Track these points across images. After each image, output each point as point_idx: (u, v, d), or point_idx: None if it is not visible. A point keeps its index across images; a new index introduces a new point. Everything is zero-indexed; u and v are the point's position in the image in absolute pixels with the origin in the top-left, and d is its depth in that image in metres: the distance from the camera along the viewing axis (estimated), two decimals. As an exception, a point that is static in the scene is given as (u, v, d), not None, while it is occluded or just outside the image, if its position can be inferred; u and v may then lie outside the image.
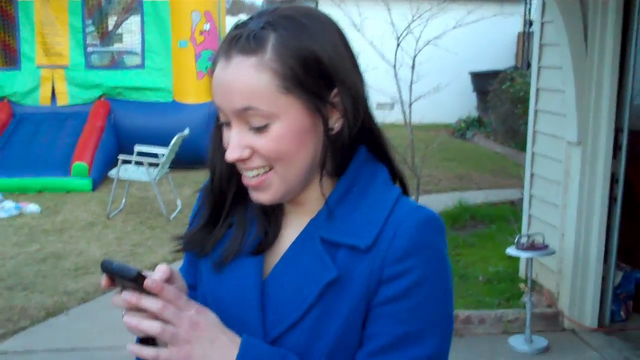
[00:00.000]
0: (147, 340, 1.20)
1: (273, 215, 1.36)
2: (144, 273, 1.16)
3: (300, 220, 1.34)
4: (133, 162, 8.86)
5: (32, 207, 8.94)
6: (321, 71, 1.23)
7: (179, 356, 1.15)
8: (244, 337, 1.22)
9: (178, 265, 1.50)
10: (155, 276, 1.19)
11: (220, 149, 1.34)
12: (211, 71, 1.27)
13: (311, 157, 1.27)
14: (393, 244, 1.23)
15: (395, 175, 1.38)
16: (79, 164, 9.96)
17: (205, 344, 1.17)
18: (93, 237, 7.96)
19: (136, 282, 1.14)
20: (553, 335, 5.36)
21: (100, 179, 10.22)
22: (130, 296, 1.15)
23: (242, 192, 1.36)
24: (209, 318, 1.20)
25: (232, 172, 1.35)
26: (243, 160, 1.25)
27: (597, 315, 5.40)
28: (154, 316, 1.15)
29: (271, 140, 1.22)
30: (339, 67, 1.25)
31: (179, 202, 8.93)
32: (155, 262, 6.84)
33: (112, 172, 8.82)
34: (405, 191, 1.36)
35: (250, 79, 1.20)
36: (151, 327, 1.15)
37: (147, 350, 1.16)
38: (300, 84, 1.21)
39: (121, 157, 8.66)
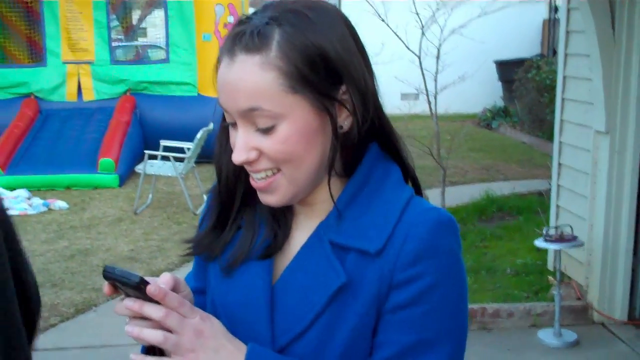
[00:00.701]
0: (153, 349, 1.16)
1: (283, 216, 1.32)
2: (147, 280, 1.13)
3: (310, 222, 1.29)
4: (159, 157, 8.89)
5: (59, 204, 9.00)
6: (328, 68, 1.18)
7: None
8: (250, 345, 1.19)
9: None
10: (159, 283, 1.16)
11: (227, 150, 1.30)
12: (215, 69, 1.23)
13: (320, 158, 1.22)
14: (404, 248, 1.19)
15: (408, 174, 1.33)
16: (106, 160, 10.00)
17: (210, 352, 1.14)
18: (120, 233, 7.99)
19: (139, 289, 1.10)
20: (582, 328, 5.30)
21: (126, 174, 10.26)
22: (132, 303, 1.12)
23: (250, 193, 1.32)
24: (213, 325, 1.17)
25: (239, 173, 1.31)
26: (250, 163, 1.20)
27: (627, 308, 5.33)
28: (158, 324, 1.12)
29: (278, 142, 1.17)
30: (347, 63, 1.19)
31: (205, 197, 8.92)
32: (182, 258, 6.85)
33: (139, 167, 8.85)
34: (418, 191, 1.32)
35: (255, 78, 1.15)
36: (153, 336, 1.12)
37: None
38: (307, 83, 1.16)
39: (147, 152, 8.69)
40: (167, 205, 9.07)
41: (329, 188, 1.24)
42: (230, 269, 1.30)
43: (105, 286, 1.15)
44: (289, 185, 1.22)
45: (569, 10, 5.88)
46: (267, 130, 1.18)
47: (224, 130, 1.30)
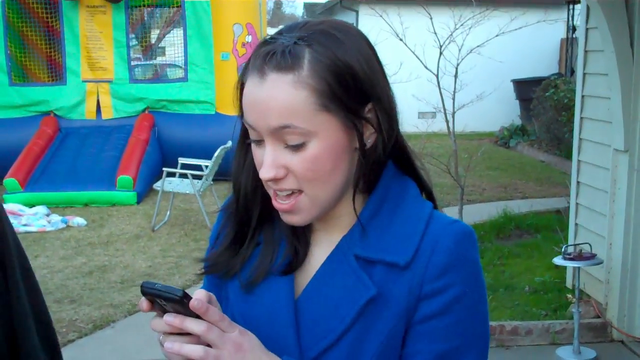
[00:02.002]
0: None
1: (302, 233, 1.33)
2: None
3: (330, 238, 1.31)
4: (177, 175, 8.93)
5: (78, 220, 9.05)
6: (357, 86, 1.20)
7: None
8: (285, 358, 1.20)
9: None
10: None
11: (245, 168, 1.32)
12: (240, 88, 1.24)
13: (345, 175, 1.24)
14: (432, 260, 1.21)
15: (423, 189, 1.35)
16: (124, 177, 10.06)
17: None
18: (138, 250, 8.03)
19: (181, 303, 1.10)
20: (601, 346, 5.27)
21: (144, 191, 10.32)
22: (173, 319, 1.12)
23: (267, 210, 1.33)
24: (251, 340, 1.17)
25: (257, 190, 1.32)
26: (276, 180, 1.21)
27: (647, 325, 5.30)
28: (197, 339, 1.13)
29: (307, 160, 1.19)
30: (373, 82, 1.22)
31: (222, 214, 8.95)
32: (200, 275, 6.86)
33: (157, 185, 8.90)
34: (434, 205, 1.33)
35: (288, 96, 1.16)
36: (194, 351, 1.11)
37: None
38: (337, 100, 1.18)
39: (165, 169, 8.74)
40: (185, 223, 9.11)
41: (353, 204, 1.26)
42: (252, 286, 1.32)
43: (143, 302, 1.15)
44: (312, 205, 1.24)
45: (587, 30, 5.89)
46: (296, 148, 1.19)
47: (242, 147, 1.32)
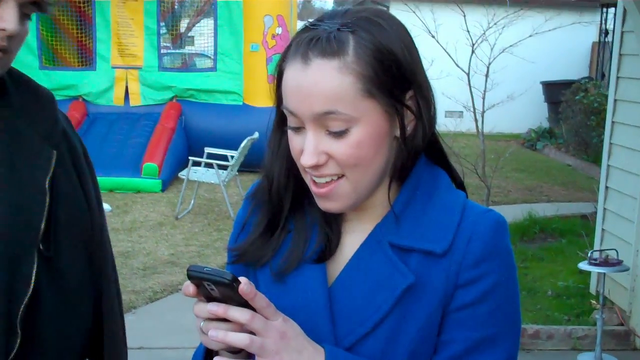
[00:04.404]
0: (228, 351, 1.17)
1: (335, 220, 1.32)
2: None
3: (362, 226, 1.30)
4: (203, 164, 8.95)
5: (103, 206, 9.06)
6: (400, 72, 1.20)
7: None
8: (328, 346, 1.19)
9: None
10: None
11: (279, 155, 1.31)
12: (276, 75, 1.24)
13: (385, 163, 1.24)
14: (469, 248, 1.22)
15: (454, 180, 1.35)
16: (150, 165, 10.10)
17: (294, 353, 1.15)
18: (161, 237, 8.05)
19: (230, 287, 1.09)
20: (624, 354, 5.22)
21: (169, 179, 10.35)
22: (217, 308, 1.12)
23: (299, 198, 1.33)
24: (295, 327, 1.18)
25: (289, 178, 1.32)
26: (317, 167, 1.21)
27: (672, 335, 5.24)
28: (239, 327, 1.12)
29: (350, 146, 1.18)
30: (414, 69, 1.22)
31: (246, 205, 8.96)
32: (221, 264, 6.88)
33: (182, 173, 8.92)
34: (465, 195, 1.34)
35: (333, 82, 1.16)
36: (239, 339, 1.11)
37: None
38: (380, 86, 1.18)
39: (191, 158, 8.75)
40: (208, 212, 9.12)
41: (388, 192, 1.26)
42: (284, 275, 1.31)
43: (189, 286, 1.14)
44: (352, 191, 1.23)
45: (622, 33, 5.82)
46: (339, 134, 1.18)
47: (277, 135, 1.32)
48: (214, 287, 1.11)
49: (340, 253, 1.31)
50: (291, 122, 1.23)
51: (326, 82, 1.16)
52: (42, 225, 1.46)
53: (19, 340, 1.41)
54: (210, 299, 1.14)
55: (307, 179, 1.26)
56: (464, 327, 1.21)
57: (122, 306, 1.76)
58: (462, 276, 1.21)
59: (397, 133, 1.23)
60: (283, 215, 1.34)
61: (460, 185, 1.36)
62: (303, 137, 1.21)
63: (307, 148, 1.20)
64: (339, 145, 1.19)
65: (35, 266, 1.43)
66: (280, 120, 1.29)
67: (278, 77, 1.24)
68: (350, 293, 1.25)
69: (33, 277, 1.42)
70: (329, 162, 1.21)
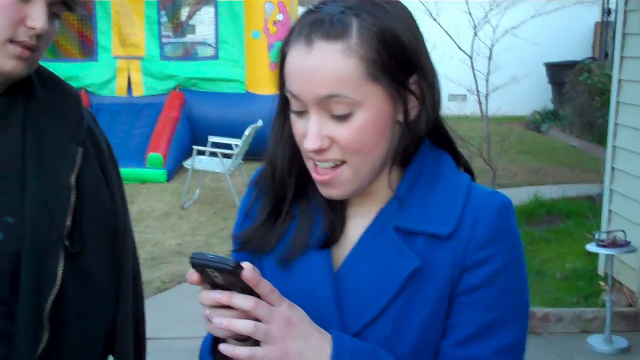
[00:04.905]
0: (235, 339, 1.16)
1: (339, 206, 1.32)
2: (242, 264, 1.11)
3: (366, 211, 1.30)
4: (207, 153, 8.94)
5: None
6: (404, 56, 1.19)
7: (276, 354, 1.12)
8: (334, 332, 1.19)
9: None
10: None
11: (282, 140, 1.30)
12: (279, 59, 1.23)
13: (387, 148, 1.23)
14: (475, 231, 1.21)
15: (459, 162, 1.34)
16: (154, 155, 10.09)
17: (299, 339, 1.14)
18: (168, 228, 8.06)
19: (233, 273, 1.09)
20: (633, 335, 5.20)
21: (174, 169, 10.35)
22: (220, 295, 1.11)
23: (302, 184, 1.32)
24: (300, 313, 1.17)
25: (293, 163, 1.31)
26: (320, 151, 1.20)
27: (681, 315, 5.23)
28: (244, 313, 1.12)
29: (353, 131, 1.18)
30: (418, 52, 1.22)
31: (251, 193, 8.96)
32: (228, 253, 6.88)
33: (187, 163, 8.92)
34: (472, 178, 1.33)
35: (337, 64, 1.15)
36: (244, 325, 1.11)
37: (241, 350, 1.12)
38: (385, 70, 1.17)
39: (195, 147, 8.75)
40: (214, 201, 9.13)
41: (389, 177, 1.25)
42: (289, 261, 1.30)
43: (193, 274, 1.14)
44: (354, 177, 1.22)
45: (626, 13, 5.78)
46: (342, 118, 1.18)
47: (280, 120, 1.31)
48: (217, 274, 1.11)
49: (345, 238, 1.30)
50: (294, 106, 1.22)
51: (329, 65, 1.15)
52: (68, 222, 1.48)
53: (47, 335, 1.43)
54: (214, 286, 1.14)
55: (310, 165, 1.25)
56: (472, 310, 1.21)
57: (141, 301, 1.78)
58: (469, 259, 1.21)
59: (400, 118, 1.23)
60: (287, 202, 1.34)
61: (467, 169, 1.35)
62: (306, 122, 1.21)
63: (311, 132, 1.19)
64: (342, 130, 1.18)
65: (61, 262, 1.46)
66: (284, 105, 1.28)
67: (281, 61, 1.23)
68: (356, 278, 1.25)
69: (59, 273, 1.45)
70: (332, 146, 1.20)
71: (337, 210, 1.32)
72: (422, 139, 1.28)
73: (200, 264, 1.11)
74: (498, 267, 1.21)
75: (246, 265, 1.11)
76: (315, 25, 1.17)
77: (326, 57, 1.15)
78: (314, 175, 1.24)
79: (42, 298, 1.43)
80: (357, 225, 1.30)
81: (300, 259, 1.30)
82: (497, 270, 1.21)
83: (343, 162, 1.21)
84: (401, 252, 1.22)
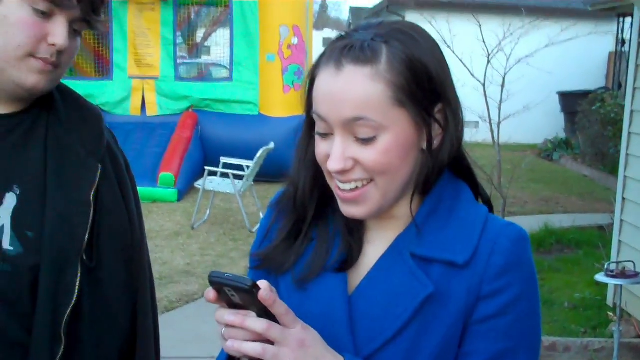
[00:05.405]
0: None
1: (357, 230, 1.34)
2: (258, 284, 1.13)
3: (384, 236, 1.31)
4: (218, 174, 8.97)
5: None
6: (430, 85, 1.22)
7: None
8: (347, 355, 1.20)
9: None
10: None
11: (306, 162, 1.33)
12: (308, 82, 1.26)
13: (411, 173, 1.25)
14: (491, 260, 1.23)
15: (478, 194, 1.36)
16: (166, 174, 10.13)
17: None
18: (177, 247, 8.07)
19: (249, 293, 1.11)
20: (642, 366, 5.18)
21: (185, 189, 10.38)
22: (234, 318, 1.13)
23: (322, 207, 1.35)
24: (314, 336, 1.18)
25: (315, 185, 1.33)
26: (344, 172, 1.22)
27: (690, 348, 5.19)
28: (258, 335, 1.13)
29: (377, 153, 1.20)
30: (444, 83, 1.25)
31: (262, 215, 8.98)
32: (244, 271, 6.88)
33: (198, 183, 8.94)
34: (490, 210, 1.35)
35: (365, 88, 1.18)
36: (252, 348, 1.13)
37: None
38: (411, 96, 1.20)
39: (207, 168, 8.78)
40: (224, 222, 9.14)
41: (411, 203, 1.28)
42: (305, 282, 1.32)
43: (210, 292, 1.16)
44: (380, 197, 1.25)
45: (639, 44, 5.80)
46: (367, 141, 1.21)
47: (305, 142, 1.34)
48: (234, 293, 1.13)
49: (361, 262, 1.32)
50: (320, 128, 1.25)
51: (357, 88, 1.18)
52: (86, 237, 1.52)
53: (62, 347, 1.47)
54: (231, 304, 1.16)
55: (333, 185, 1.28)
56: (486, 339, 1.23)
57: (156, 317, 1.83)
58: (484, 288, 1.23)
59: (424, 145, 1.25)
60: (307, 223, 1.36)
61: (486, 201, 1.37)
62: (330, 143, 1.23)
63: (335, 153, 1.22)
64: (366, 152, 1.21)
65: (78, 276, 1.49)
66: (309, 128, 1.31)
67: (310, 84, 1.26)
68: (371, 302, 1.26)
69: (77, 287, 1.49)
70: (356, 167, 1.22)
71: (355, 234, 1.34)
72: (444, 169, 1.30)
73: (218, 282, 1.13)
74: (513, 297, 1.23)
75: (263, 285, 1.13)
76: (346, 50, 1.21)
77: (354, 80, 1.19)
78: (338, 193, 1.27)
79: (59, 311, 1.47)
80: (374, 249, 1.32)
81: (317, 281, 1.32)
82: (512, 300, 1.23)
83: (371, 181, 1.23)
84: (416, 278, 1.23)
